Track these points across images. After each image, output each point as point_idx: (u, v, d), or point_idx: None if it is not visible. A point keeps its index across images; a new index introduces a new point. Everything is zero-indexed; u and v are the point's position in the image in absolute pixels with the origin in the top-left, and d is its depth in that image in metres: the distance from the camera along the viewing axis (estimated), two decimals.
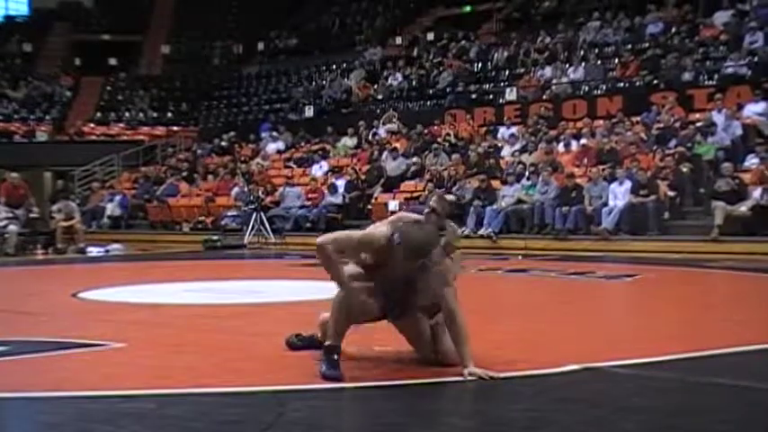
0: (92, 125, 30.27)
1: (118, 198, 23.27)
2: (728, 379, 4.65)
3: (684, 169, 16.77)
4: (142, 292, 9.56)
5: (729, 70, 20.51)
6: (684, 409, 4.13)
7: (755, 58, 20.45)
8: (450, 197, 4.91)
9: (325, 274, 4.84)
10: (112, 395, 4.40)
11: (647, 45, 23.00)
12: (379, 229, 4.85)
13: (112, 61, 34.73)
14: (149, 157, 27.68)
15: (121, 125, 30.52)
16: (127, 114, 31.29)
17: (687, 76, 20.97)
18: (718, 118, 18.13)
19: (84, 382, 4.73)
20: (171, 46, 35.70)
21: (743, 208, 15.20)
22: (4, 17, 38.67)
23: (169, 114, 31.52)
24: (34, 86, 31.97)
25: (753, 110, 18.48)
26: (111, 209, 22.92)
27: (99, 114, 31.18)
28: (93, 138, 29.32)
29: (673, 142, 18.08)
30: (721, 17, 22.60)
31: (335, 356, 4.70)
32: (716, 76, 20.58)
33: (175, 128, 30.11)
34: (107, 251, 16.98)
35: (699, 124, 18.42)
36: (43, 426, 4.02)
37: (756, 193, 15.27)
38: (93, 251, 16.85)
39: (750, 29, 21.24)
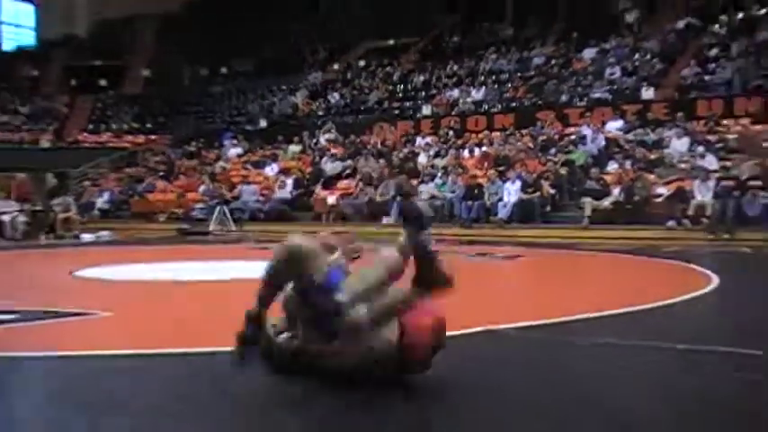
0: (85, 134, 29.61)
1: (106, 194, 22.81)
2: (590, 338, 4.75)
3: (562, 172, 17.05)
4: (127, 270, 9.40)
5: (596, 95, 20.92)
6: (558, 363, 4.21)
7: (614, 86, 20.92)
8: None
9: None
10: (98, 355, 4.33)
11: (533, 73, 23.30)
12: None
13: (102, 82, 34.18)
14: (132, 160, 27.15)
15: (109, 134, 29.85)
16: (114, 126, 30.63)
17: (564, 98, 21.32)
18: (587, 132, 18.47)
19: (79, 344, 4.64)
20: (150, 69, 35.13)
21: (606, 203, 15.50)
22: (16, 47, 38.69)
23: (148, 125, 30.89)
24: (38, 103, 31.21)
25: (613, 126, 18.86)
26: (101, 203, 22.46)
27: (91, 126, 30.48)
28: (87, 145, 28.62)
29: (553, 150, 18.35)
30: (589, 53, 23.05)
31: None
32: (585, 99, 20.97)
33: (153, 136, 29.55)
34: (98, 237, 16.62)
35: (572, 137, 18.73)
36: (38, 381, 3.94)
37: (616, 191, 15.61)
38: (86, 237, 16.48)
39: (610, 63, 21.69)
